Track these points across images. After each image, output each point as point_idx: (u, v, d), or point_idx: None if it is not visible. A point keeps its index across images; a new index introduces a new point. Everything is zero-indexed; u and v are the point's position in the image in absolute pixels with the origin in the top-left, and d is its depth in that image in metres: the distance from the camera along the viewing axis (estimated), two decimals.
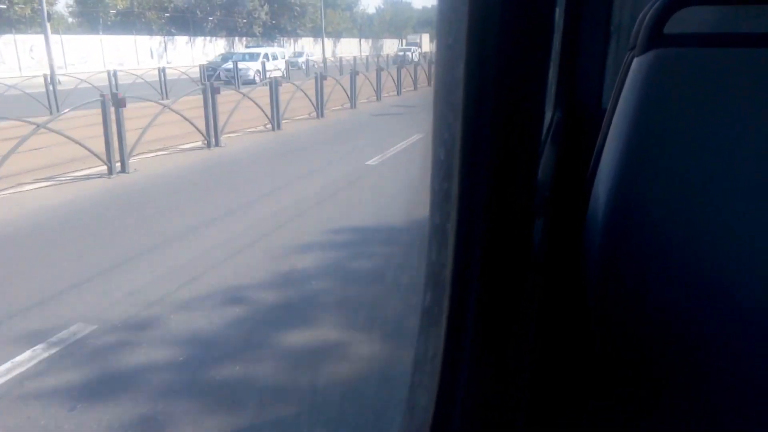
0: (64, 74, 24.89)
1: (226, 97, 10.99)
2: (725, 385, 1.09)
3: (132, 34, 42.57)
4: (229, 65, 26.06)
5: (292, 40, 60.80)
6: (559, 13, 2.12)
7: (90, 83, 17.51)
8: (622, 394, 1.18)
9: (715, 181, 1.04)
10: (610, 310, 1.14)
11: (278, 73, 26.21)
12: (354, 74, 16.37)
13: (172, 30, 46.42)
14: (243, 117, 11.28)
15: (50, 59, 21.84)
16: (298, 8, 61.15)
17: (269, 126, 11.91)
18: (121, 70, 23.73)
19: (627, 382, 1.17)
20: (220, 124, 10.20)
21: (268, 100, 11.83)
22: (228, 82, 23.38)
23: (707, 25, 1.44)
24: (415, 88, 21.20)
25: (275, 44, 55.20)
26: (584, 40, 2.12)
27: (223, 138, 10.28)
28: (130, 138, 8.33)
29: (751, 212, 1.02)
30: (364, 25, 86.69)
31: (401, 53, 48.61)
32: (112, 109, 8.01)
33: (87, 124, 9.32)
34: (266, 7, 56.42)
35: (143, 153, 9.11)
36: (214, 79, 17.97)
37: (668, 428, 1.15)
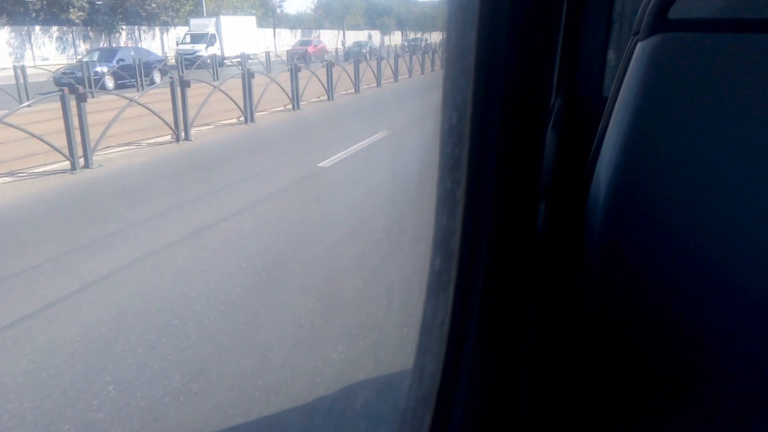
0: None
1: None
2: (725, 377, 1.09)
3: None
4: None
5: (156, 30, 38.51)
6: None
7: None
8: (621, 385, 1.18)
9: (717, 169, 1.04)
10: (610, 298, 1.14)
11: None
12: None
13: None
14: None
15: None
16: None
17: None
18: None
19: (626, 371, 1.17)
20: None
21: None
22: None
23: (712, 10, 1.44)
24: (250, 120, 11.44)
25: (122, 35, 35.52)
26: (586, 29, 2.11)
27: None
28: None
29: (754, 201, 1.02)
30: (285, 14, 61.83)
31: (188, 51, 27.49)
32: None
33: None
34: None
35: None
36: None
37: (670, 423, 1.16)
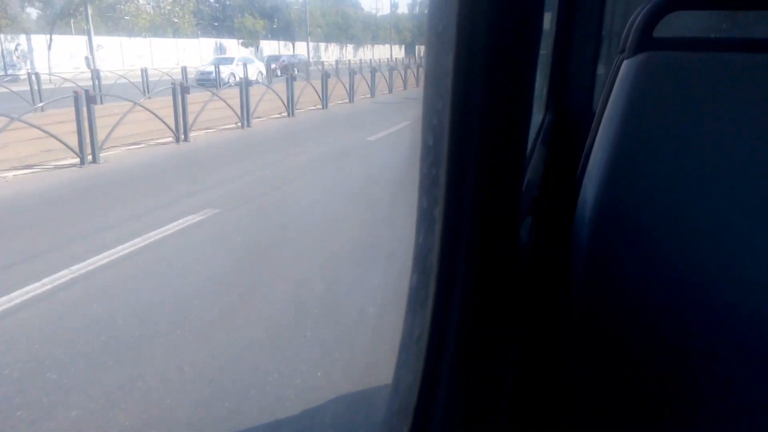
0: None
1: None
2: (710, 386, 1.10)
3: None
4: None
5: None
6: (551, 17, 2.14)
7: None
8: (607, 396, 1.19)
9: (701, 183, 1.05)
10: (597, 311, 1.16)
11: None
12: None
13: None
14: None
15: None
16: None
17: None
18: None
19: (612, 383, 1.18)
20: None
21: None
22: None
23: (697, 29, 1.47)
24: None
25: None
26: (576, 44, 2.14)
27: None
28: None
29: (736, 214, 1.04)
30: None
31: None
32: None
33: None
34: None
35: None
36: None
37: (657, 428, 1.17)
